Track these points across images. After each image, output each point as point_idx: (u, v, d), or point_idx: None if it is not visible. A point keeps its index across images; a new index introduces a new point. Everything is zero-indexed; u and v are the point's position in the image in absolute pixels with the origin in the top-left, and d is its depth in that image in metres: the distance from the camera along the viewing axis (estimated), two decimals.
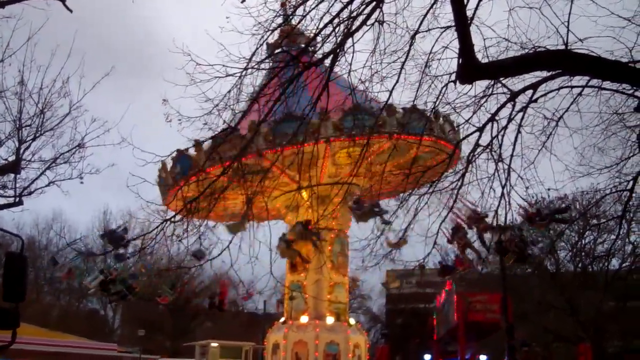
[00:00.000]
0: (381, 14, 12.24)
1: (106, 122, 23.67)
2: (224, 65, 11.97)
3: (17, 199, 23.25)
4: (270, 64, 13.13)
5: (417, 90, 13.61)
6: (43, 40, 22.92)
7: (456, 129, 22.17)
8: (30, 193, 23.70)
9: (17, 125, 23.34)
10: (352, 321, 35.38)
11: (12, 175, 23.35)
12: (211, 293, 31.35)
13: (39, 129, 23.54)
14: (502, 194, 14.98)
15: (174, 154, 27.42)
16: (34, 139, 23.57)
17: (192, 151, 27.96)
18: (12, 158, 23.12)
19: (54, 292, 76.85)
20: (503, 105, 14.13)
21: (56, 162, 23.81)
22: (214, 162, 16.35)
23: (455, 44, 11.96)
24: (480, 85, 14.22)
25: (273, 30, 12.69)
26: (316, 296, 32.97)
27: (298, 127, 14.29)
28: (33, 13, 17.41)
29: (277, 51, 12.75)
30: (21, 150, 23.30)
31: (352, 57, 12.22)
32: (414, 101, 14.20)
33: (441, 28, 12.91)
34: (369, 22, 12.00)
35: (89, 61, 23.96)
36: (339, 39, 11.96)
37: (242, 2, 12.04)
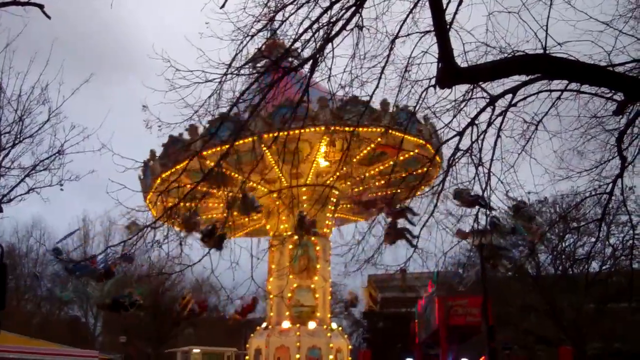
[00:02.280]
0: (361, 19, 12.27)
1: (86, 129, 23.66)
2: (203, 71, 11.96)
3: None
4: (249, 70, 13.06)
5: (397, 95, 13.63)
6: (22, 46, 22.86)
7: (437, 132, 22.20)
8: (10, 200, 23.59)
9: None
10: (334, 326, 35.42)
11: None
12: None
13: (18, 136, 23.48)
14: (482, 197, 15.01)
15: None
16: (12, 146, 23.49)
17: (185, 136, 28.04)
18: None
19: (35, 300, 76.32)
20: (483, 110, 14.16)
21: (36, 169, 23.75)
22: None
23: (435, 48, 12.01)
24: (460, 89, 14.26)
25: (252, 36, 12.68)
26: (278, 301, 33.28)
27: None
28: (11, 20, 17.33)
29: (256, 57, 12.68)
30: (0, 157, 23.21)
31: (332, 62, 12.24)
32: (394, 105, 14.22)
33: (420, 33, 12.94)
34: (348, 27, 12.01)
35: (67, 67, 23.93)
36: (319, 44, 11.97)
37: (221, 7, 12.02)
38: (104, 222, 67.80)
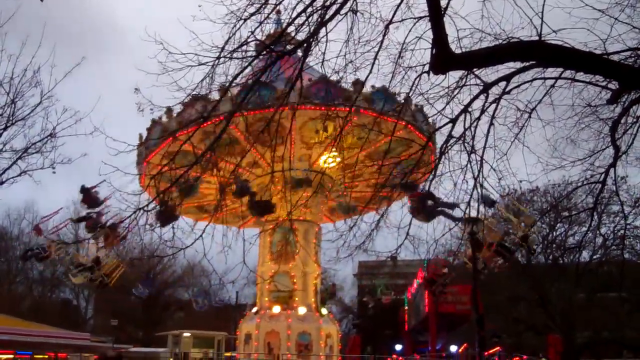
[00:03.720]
0: (355, 3, 12.18)
1: (78, 112, 23.62)
2: (196, 54, 11.89)
3: None
4: (242, 53, 12.93)
5: (391, 81, 13.51)
6: (13, 29, 22.75)
7: (429, 120, 22.09)
8: (1, 183, 23.56)
9: None
10: (324, 311, 35.55)
11: None
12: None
13: (10, 119, 23.42)
14: (475, 185, 14.92)
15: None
16: (5, 129, 23.43)
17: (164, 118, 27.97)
18: None
19: (26, 282, 76.48)
20: (476, 97, 14.06)
21: (28, 152, 23.72)
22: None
23: (429, 34, 11.95)
24: (454, 76, 14.17)
25: (245, 20, 12.58)
26: (263, 286, 33.66)
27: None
28: (2, 2, 17.25)
29: (250, 41, 12.56)
30: None
31: (326, 46, 12.15)
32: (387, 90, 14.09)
33: (415, 18, 12.83)
34: (342, 11, 11.92)
35: (59, 50, 23.85)
36: (312, 28, 11.87)
37: None
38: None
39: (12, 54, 23.48)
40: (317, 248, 35.19)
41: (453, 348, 50.67)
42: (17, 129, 23.79)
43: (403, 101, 17.48)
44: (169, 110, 25.80)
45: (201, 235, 13.15)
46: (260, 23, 12.44)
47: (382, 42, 12.79)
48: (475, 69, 13.38)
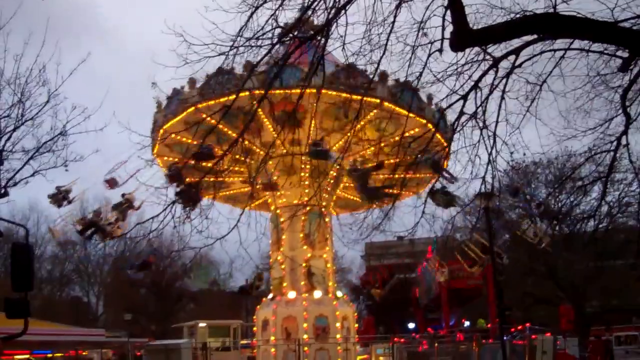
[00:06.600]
0: None
1: (86, 109, 23.67)
2: (216, 44, 11.93)
3: (3, 191, 23.12)
4: (259, 41, 12.91)
5: (410, 61, 13.36)
6: (16, 29, 22.74)
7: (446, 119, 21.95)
8: (15, 184, 23.55)
9: None
10: (339, 294, 35.67)
11: None
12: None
13: (19, 119, 23.34)
14: (489, 160, 15.00)
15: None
16: (14, 130, 23.37)
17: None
18: None
19: (35, 282, 76.54)
20: (486, 72, 14.10)
21: (39, 152, 23.69)
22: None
23: (439, 12, 12.06)
24: (462, 52, 14.20)
25: (257, 7, 12.57)
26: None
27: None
28: (4, 2, 17.32)
29: (274, 28, 12.54)
30: (1, 141, 23.15)
31: (345, 30, 12.12)
32: (406, 75, 13.98)
33: None
34: None
35: (64, 47, 23.88)
36: (331, 12, 11.85)
37: None
38: (101, 200, 67.99)
39: (17, 53, 23.48)
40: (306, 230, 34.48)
41: (467, 324, 51.06)
42: (26, 129, 23.73)
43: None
44: (191, 80, 25.54)
45: (236, 225, 13.23)
46: (276, 10, 12.38)
47: (393, 23, 12.79)
48: (491, 44, 13.40)
